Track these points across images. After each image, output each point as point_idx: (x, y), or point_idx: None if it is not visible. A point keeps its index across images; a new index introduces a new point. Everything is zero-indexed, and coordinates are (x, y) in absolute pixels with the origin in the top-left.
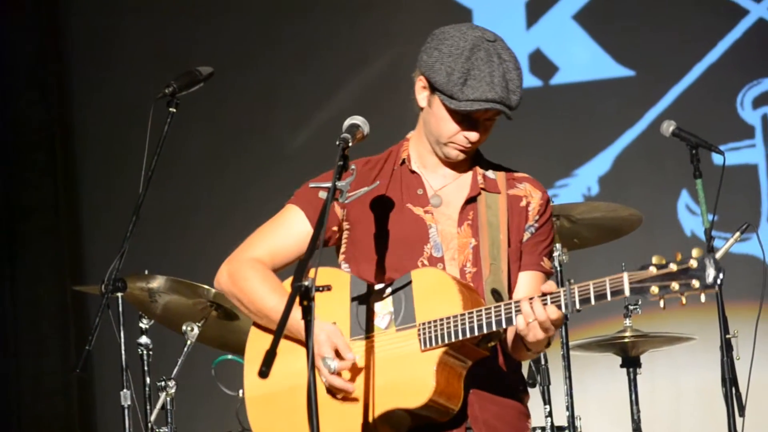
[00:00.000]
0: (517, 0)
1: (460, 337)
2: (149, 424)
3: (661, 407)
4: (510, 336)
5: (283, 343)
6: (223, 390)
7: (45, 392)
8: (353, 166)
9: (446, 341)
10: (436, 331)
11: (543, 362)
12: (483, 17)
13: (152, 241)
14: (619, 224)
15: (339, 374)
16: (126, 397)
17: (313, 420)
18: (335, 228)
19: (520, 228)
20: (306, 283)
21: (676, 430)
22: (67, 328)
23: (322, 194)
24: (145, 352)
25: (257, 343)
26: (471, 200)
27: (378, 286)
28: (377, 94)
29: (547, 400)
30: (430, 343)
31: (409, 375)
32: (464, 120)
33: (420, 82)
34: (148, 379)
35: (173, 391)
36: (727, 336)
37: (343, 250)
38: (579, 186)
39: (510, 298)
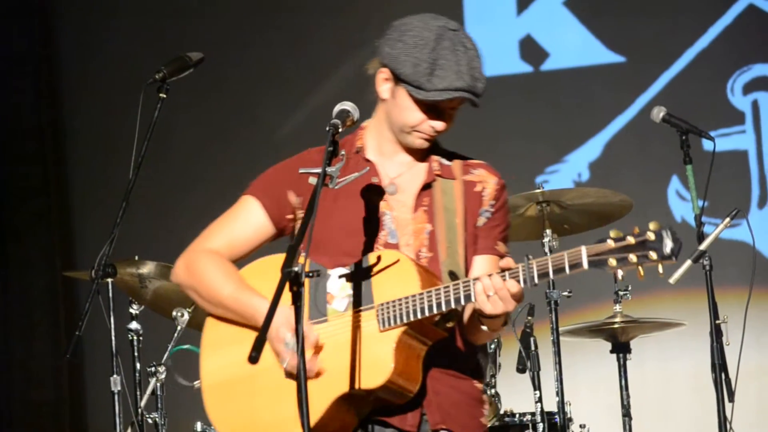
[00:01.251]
0: None
1: (419, 316)
2: (139, 410)
3: (651, 393)
4: (467, 316)
5: (238, 330)
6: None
7: (35, 378)
8: (343, 152)
9: (405, 320)
10: (394, 311)
11: (533, 348)
12: (473, 3)
13: (142, 226)
14: (610, 210)
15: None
16: (116, 382)
17: (303, 405)
18: (290, 216)
19: (474, 213)
20: (296, 268)
21: (666, 415)
22: (57, 313)
23: (312, 180)
24: (135, 337)
25: (213, 332)
26: (426, 186)
27: (335, 270)
28: (367, 80)
29: (537, 385)
30: (389, 323)
31: (368, 356)
32: (430, 109)
33: (382, 74)
34: (138, 365)
35: (163, 376)
36: (717, 322)
37: (298, 238)
38: (569, 172)
39: None
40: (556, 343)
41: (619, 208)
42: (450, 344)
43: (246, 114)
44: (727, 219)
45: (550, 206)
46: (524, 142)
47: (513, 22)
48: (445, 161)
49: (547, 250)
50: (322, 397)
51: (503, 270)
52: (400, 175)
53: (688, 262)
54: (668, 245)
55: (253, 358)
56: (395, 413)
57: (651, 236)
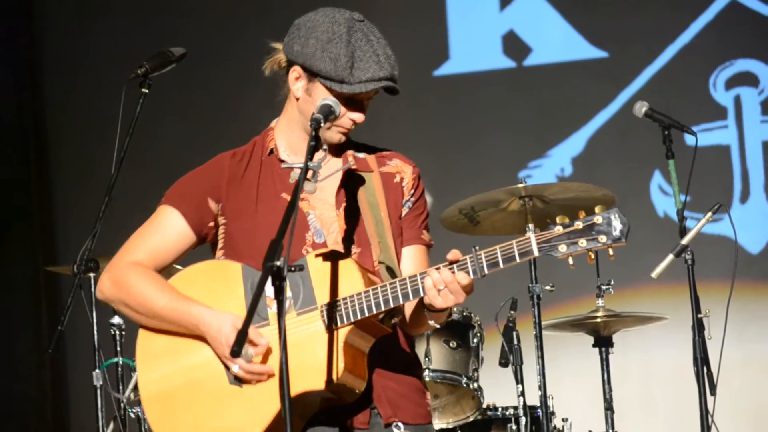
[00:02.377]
0: None
1: (366, 314)
2: (121, 404)
3: (633, 386)
4: (410, 310)
5: (173, 340)
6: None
7: (17, 373)
8: (325, 146)
9: (351, 320)
10: (339, 310)
11: (516, 342)
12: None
13: (125, 221)
14: (592, 205)
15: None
16: (98, 377)
17: (285, 404)
18: (211, 224)
19: (397, 204)
20: (278, 263)
21: (648, 409)
22: (39, 308)
23: (295, 175)
24: (117, 332)
25: (147, 343)
26: (346, 182)
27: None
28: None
29: (519, 379)
30: (335, 323)
31: (315, 357)
32: (348, 102)
33: (294, 73)
34: (120, 359)
35: None
36: (699, 315)
37: (220, 245)
38: (552, 167)
39: (399, 274)
40: (539, 337)
41: (602, 202)
42: (392, 338)
43: (231, 110)
44: (709, 213)
45: (532, 201)
46: (507, 136)
47: (496, 17)
48: (359, 155)
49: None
50: (271, 401)
51: (451, 262)
52: (320, 165)
53: (670, 257)
54: (617, 228)
55: (235, 352)
56: (344, 411)
57: (599, 219)
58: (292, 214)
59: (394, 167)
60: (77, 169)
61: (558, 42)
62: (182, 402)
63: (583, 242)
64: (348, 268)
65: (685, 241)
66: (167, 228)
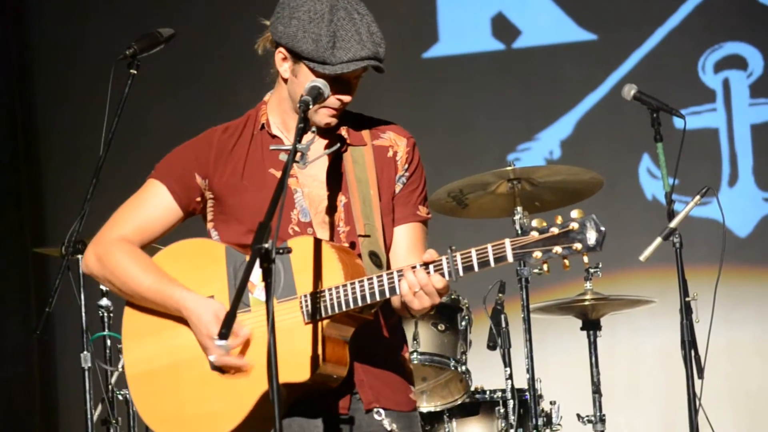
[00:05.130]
0: None
1: (344, 309)
2: (110, 386)
3: (621, 370)
4: (396, 301)
5: (158, 320)
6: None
7: (5, 355)
8: (314, 128)
9: (330, 313)
10: (318, 303)
11: (503, 325)
12: None
13: (113, 203)
14: (581, 187)
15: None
16: (86, 359)
17: (273, 386)
18: (198, 199)
19: (390, 180)
20: (266, 245)
21: (636, 392)
22: (27, 290)
23: (283, 156)
24: (105, 314)
25: (133, 321)
26: (337, 157)
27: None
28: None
29: (507, 362)
30: (314, 316)
31: (295, 348)
32: (335, 83)
33: (279, 54)
34: (108, 341)
35: None
36: (687, 299)
37: (210, 218)
38: (541, 149)
39: (387, 255)
40: (527, 321)
41: (590, 185)
42: (374, 324)
43: (220, 91)
44: (698, 197)
45: (521, 184)
46: (496, 119)
47: None
48: (353, 129)
49: (518, 227)
50: (250, 392)
51: (427, 263)
52: (309, 147)
53: (659, 240)
54: (592, 236)
55: (223, 334)
56: (325, 397)
57: (575, 226)
58: (280, 197)
59: (387, 140)
60: (66, 150)
61: (547, 24)
62: (165, 384)
63: (557, 249)
64: (329, 258)
65: (673, 224)
66: (154, 203)
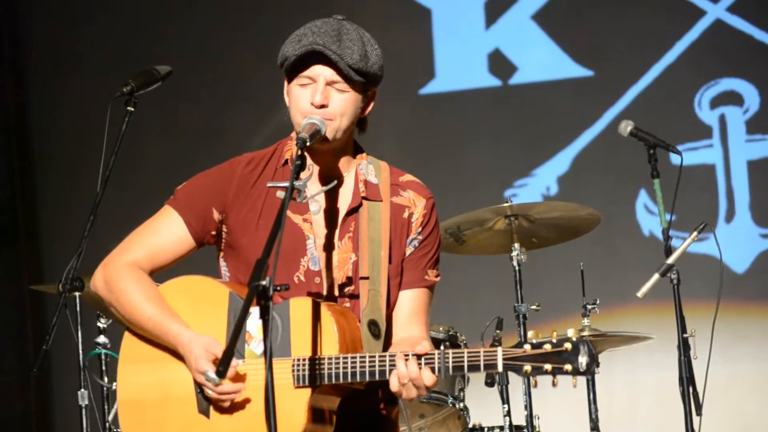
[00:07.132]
0: (476, 0)
1: (333, 381)
2: (107, 424)
3: (619, 406)
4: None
5: (155, 351)
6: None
7: (2, 392)
8: (311, 164)
9: (319, 383)
10: (310, 370)
11: None
12: (442, 17)
13: (110, 240)
14: (578, 224)
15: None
16: (84, 396)
17: (270, 417)
18: (213, 232)
19: (402, 243)
20: (264, 282)
21: (634, 429)
22: (24, 327)
23: (280, 194)
24: (102, 351)
25: (131, 346)
26: (352, 211)
27: (256, 309)
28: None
29: (505, 399)
30: (304, 382)
31: (281, 409)
32: (309, 88)
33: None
34: (106, 379)
35: None
36: (685, 335)
37: (221, 248)
38: (538, 185)
39: (390, 313)
40: None
41: (587, 221)
42: (366, 394)
43: (216, 127)
44: (695, 233)
45: (518, 220)
46: (493, 155)
47: (481, 35)
48: (372, 178)
49: (515, 264)
50: None
51: (419, 356)
52: (324, 193)
53: (656, 276)
54: (583, 362)
55: (220, 372)
56: None
57: (568, 346)
58: (277, 234)
59: (406, 199)
60: (62, 187)
61: (543, 61)
62: (152, 417)
63: (548, 367)
64: (327, 326)
65: (670, 260)
66: (169, 232)
